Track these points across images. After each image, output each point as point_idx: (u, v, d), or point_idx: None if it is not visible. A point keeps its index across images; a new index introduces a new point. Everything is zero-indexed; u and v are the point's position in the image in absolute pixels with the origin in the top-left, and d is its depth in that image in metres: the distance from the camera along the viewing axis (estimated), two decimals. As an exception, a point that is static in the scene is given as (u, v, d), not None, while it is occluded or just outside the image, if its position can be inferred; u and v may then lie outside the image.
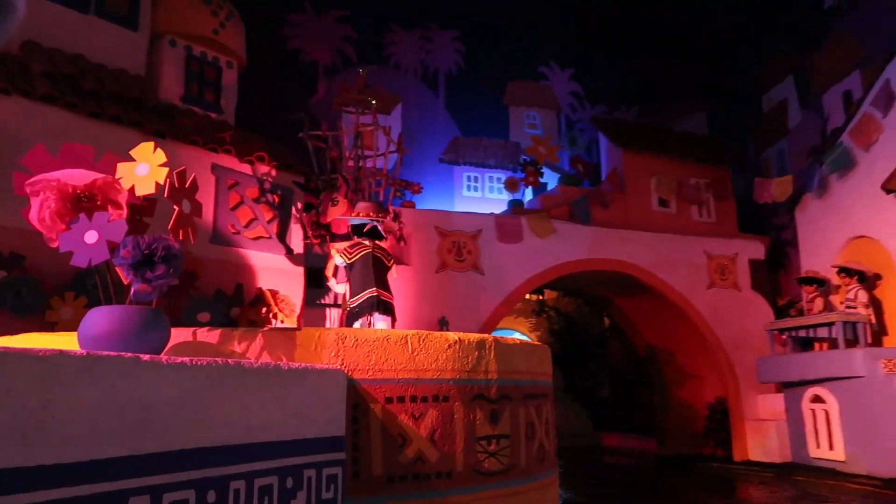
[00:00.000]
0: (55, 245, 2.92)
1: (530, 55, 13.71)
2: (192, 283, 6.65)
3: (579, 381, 14.24)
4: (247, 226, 7.70)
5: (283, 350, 3.38)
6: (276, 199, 7.93)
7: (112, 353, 2.19)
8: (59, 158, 3.06)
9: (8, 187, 5.98)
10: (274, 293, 7.72)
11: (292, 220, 8.04)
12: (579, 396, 14.46)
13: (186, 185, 3.17)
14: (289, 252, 8.00)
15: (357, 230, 5.81)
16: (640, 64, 14.83)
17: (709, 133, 13.32)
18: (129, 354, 2.22)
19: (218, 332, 3.40)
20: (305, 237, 7.93)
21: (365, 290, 5.61)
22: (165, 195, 2.96)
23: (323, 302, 9.16)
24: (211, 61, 8.23)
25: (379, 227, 5.85)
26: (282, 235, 8.01)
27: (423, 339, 3.68)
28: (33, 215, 2.98)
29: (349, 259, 5.59)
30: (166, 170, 3.13)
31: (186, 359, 2.43)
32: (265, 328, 3.45)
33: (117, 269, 2.90)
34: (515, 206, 10.92)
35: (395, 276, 7.51)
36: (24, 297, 5.48)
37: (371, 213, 5.73)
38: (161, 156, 3.18)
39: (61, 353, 1.95)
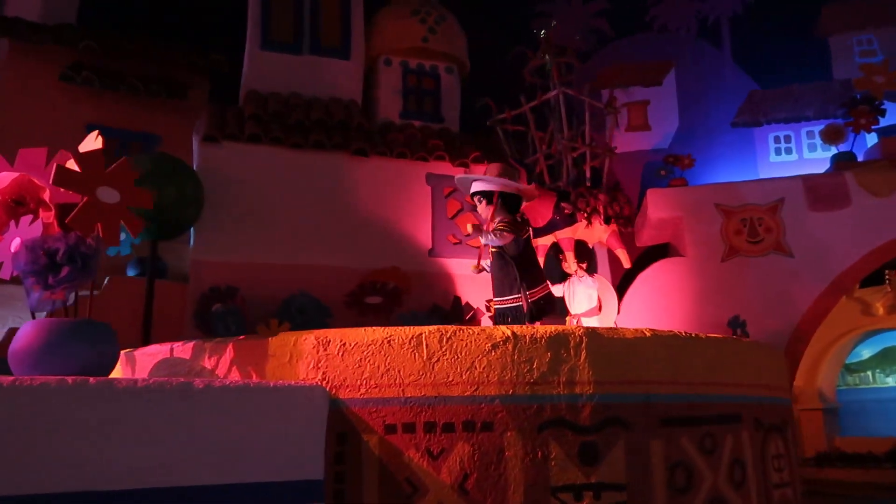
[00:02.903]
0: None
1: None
2: (398, 301, 6.25)
3: None
4: (469, 235, 7.05)
5: (253, 363, 2.58)
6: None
7: None
8: (16, 166, 2.82)
9: (221, 227, 6.50)
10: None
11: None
12: None
13: (110, 170, 2.64)
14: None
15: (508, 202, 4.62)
16: None
17: None
18: None
19: (191, 345, 2.77)
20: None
21: (543, 282, 4.44)
22: (51, 181, 2.47)
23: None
24: (429, 71, 7.93)
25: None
26: (514, 240, 7.15)
27: (449, 338, 2.52)
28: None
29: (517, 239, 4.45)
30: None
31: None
32: (240, 338, 2.70)
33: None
34: (843, 161, 8.11)
35: (626, 265, 6.09)
36: (230, 326, 5.71)
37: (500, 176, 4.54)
38: (99, 142, 2.73)
39: None
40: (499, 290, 4.39)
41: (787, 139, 9.37)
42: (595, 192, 6.09)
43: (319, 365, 2.49)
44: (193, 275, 6.15)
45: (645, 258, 8.32)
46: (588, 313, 5.85)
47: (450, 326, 2.55)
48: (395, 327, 2.58)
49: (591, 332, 2.55)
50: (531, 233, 4.50)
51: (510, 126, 7.00)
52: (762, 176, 9.22)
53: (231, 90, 7.49)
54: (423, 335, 2.52)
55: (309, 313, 6.04)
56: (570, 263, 5.94)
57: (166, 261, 6.79)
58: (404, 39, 7.82)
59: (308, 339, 2.54)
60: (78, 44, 6.93)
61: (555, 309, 4.34)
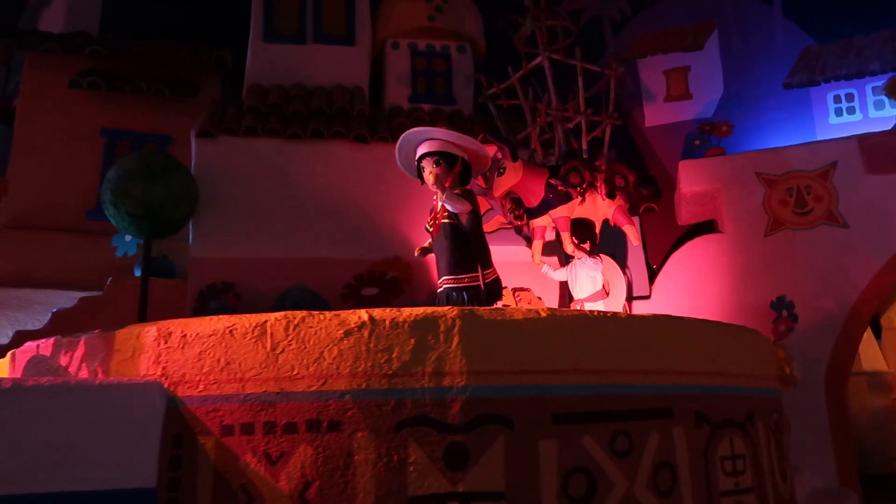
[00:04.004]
0: None
1: None
2: (397, 291, 5.96)
3: None
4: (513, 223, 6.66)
5: (100, 359, 2.36)
6: (510, 181, 6.68)
7: None
8: None
9: (220, 223, 6.40)
10: (523, 291, 6.44)
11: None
12: None
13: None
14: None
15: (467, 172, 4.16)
16: None
17: None
18: None
19: (51, 342, 2.58)
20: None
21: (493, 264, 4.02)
22: None
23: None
24: (439, 51, 7.59)
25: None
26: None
27: (297, 325, 2.21)
28: None
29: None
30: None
31: None
32: (93, 333, 2.49)
33: None
34: (909, 117, 7.16)
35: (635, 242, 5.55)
36: (222, 322, 5.61)
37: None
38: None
39: None
40: (453, 267, 3.93)
41: (850, 98, 8.36)
42: (591, 164, 5.56)
43: (160, 359, 2.23)
44: (192, 272, 6.09)
45: (689, 238, 7.65)
46: (592, 297, 5.35)
47: (300, 312, 2.23)
48: (240, 315, 2.30)
49: (468, 315, 2.17)
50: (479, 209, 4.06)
51: (505, 101, 6.53)
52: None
53: (241, 86, 7.43)
54: (269, 323, 2.22)
55: (305, 307, 5.84)
56: (567, 244, 5.45)
57: (174, 260, 6.81)
58: (410, 20, 7.51)
59: (150, 332, 2.29)
60: (84, 50, 7.04)
61: (501, 296, 3.89)
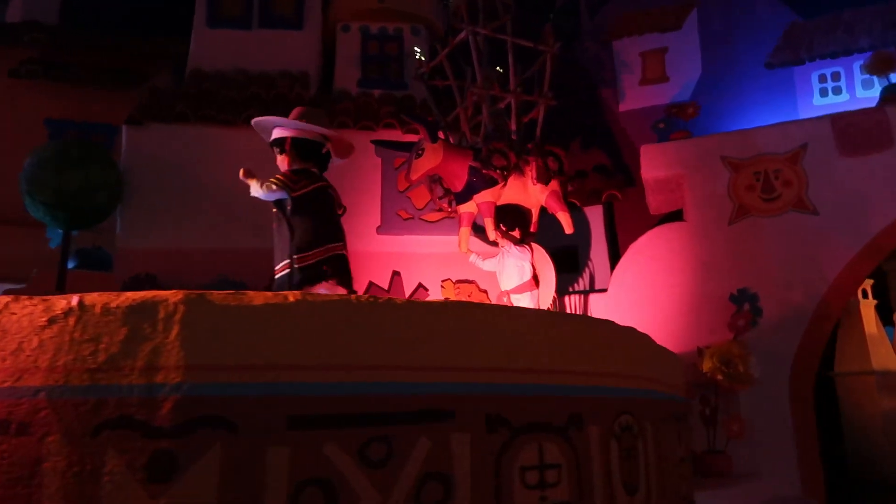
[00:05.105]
0: None
1: None
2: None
3: None
4: (424, 208, 6.34)
5: None
6: (457, 168, 6.33)
7: None
8: None
9: (147, 213, 6.19)
10: (466, 283, 6.10)
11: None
12: None
13: None
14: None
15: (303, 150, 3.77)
16: None
17: None
18: None
19: None
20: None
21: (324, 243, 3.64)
22: None
23: (576, 289, 7.00)
24: (392, 34, 7.29)
25: (332, 151, 3.85)
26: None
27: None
28: None
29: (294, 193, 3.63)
30: None
31: None
32: None
33: None
34: (893, 94, 6.58)
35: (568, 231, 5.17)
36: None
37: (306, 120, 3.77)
38: None
39: None
40: (276, 256, 3.68)
41: (836, 77, 7.79)
42: (519, 146, 5.19)
43: None
44: (117, 263, 5.91)
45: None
46: (519, 289, 4.99)
47: (5, 297, 1.96)
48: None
49: (194, 300, 1.86)
50: (323, 187, 3.71)
51: (439, 81, 6.17)
52: (805, 123, 7.73)
53: (191, 74, 7.21)
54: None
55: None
56: (490, 231, 5.09)
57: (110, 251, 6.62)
58: (361, 2, 7.24)
59: None
60: (23, 38, 6.91)
61: (342, 274, 3.55)
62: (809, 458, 5.71)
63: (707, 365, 5.38)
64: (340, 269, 3.57)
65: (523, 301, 5.03)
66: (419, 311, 2.08)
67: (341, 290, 3.50)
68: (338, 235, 3.62)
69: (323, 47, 7.48)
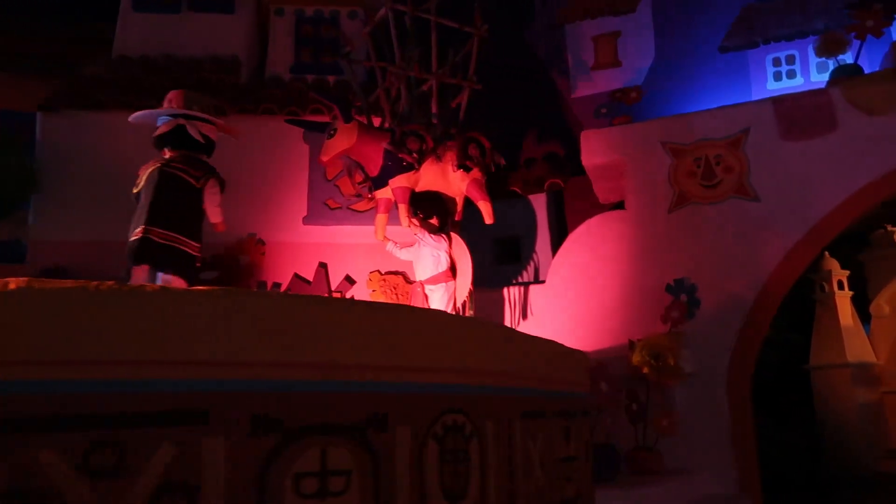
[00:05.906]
0: None
1: None
2: (239, 274, 5.46)
3: None
4: (354, 196, 6.11)
5: None
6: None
7: None
8: None
9: (61, 203, 5.97)
10: (393, 275, 5.87)
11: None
12: None
13: None
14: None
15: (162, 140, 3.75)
16: None
17: None
18: None
19: None
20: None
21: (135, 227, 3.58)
22: None
23: (521, 280, 6.76)
24: (328, 18, 7.04)
25: (190, 129, 3.64)
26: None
27: None
28: None
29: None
30: None
31: None
32: None
33: None
34: (844, 75, 6.33)
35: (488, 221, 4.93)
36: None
37: (175, 104, 3.59)
38: None
39: None
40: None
41: (790, 60, 7.52)
42: (441, 131, 4.95)
43: None
44: (30, 256, 5.69)
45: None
46: (433, 280, 4.76)
47: None
48: None
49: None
50: (181, 170, 3.51)
51: (367, 62, 5.93)
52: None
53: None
54: None
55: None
56: (403, 218, 4.86)
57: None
58: (295, -16, 6.98)
59: None
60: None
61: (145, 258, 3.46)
62: (746, 455, 5.49)
63: (636, 358, 5.16)
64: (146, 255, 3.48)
65: (438, 292, 4.81)
66: (173, 300, 1.85)
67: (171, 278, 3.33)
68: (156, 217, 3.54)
69: (260, 32, 7.24)
